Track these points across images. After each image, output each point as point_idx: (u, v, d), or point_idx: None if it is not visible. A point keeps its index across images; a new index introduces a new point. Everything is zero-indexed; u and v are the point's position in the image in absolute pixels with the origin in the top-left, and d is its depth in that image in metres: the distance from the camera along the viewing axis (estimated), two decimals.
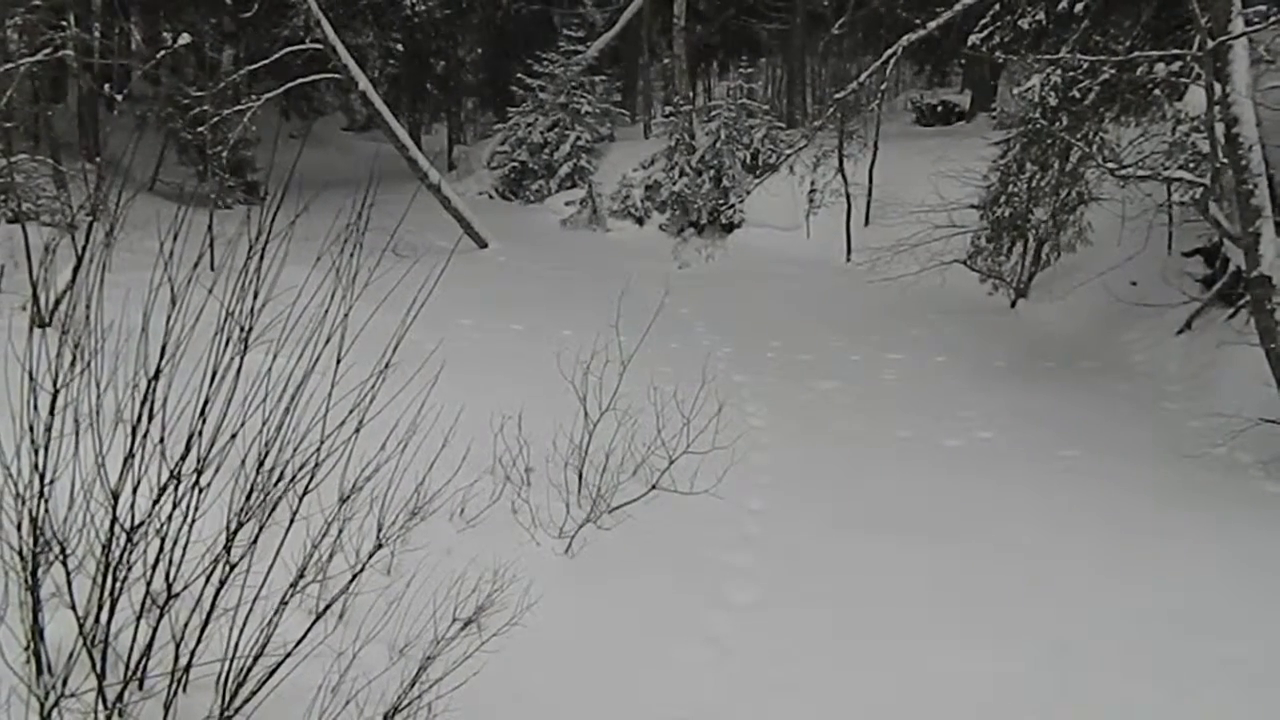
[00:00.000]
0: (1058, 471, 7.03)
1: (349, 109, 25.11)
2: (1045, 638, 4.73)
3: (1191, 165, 8.33)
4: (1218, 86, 7.09)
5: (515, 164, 19.16)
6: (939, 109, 20.00)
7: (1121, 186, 9.78)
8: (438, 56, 21.87)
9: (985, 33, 10.81)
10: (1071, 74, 9.75)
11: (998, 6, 10.63)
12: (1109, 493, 6.62)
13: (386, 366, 3.28)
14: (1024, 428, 7.97)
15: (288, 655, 3.17)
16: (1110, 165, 8.85)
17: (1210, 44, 6.99)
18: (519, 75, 19.77)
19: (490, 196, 19.43)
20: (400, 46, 20.41)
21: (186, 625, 3.08)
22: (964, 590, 5.24)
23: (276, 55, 14.81)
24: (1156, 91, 9.29)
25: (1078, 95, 9.81)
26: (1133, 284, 10.44)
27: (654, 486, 5.84)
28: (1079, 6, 9.68)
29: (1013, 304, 11.76)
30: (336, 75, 14.66)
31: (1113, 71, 9.30)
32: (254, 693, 3.14)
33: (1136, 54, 8.90)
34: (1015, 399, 8.74)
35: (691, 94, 21.06)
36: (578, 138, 18.67)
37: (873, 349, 10.40)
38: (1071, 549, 5.71)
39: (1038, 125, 10.39)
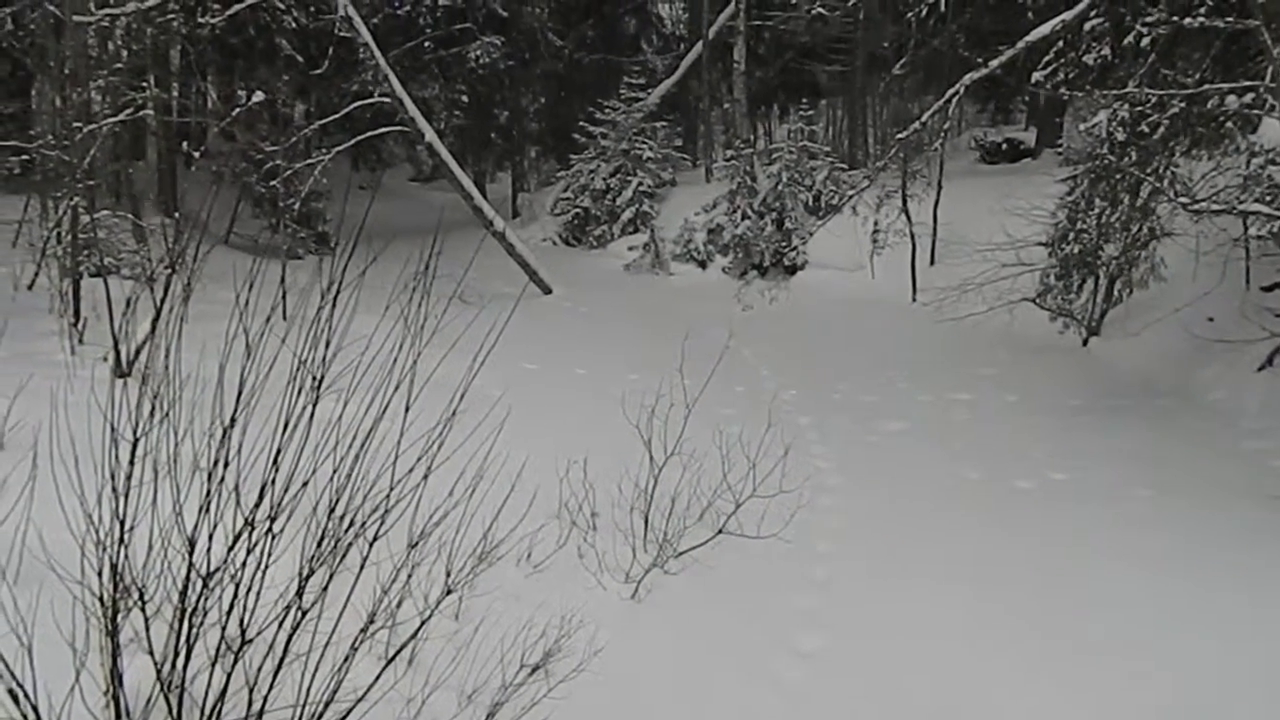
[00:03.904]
0: (1136, 514, 6.83)
1: (416, 160, 25.67)
2: (1129, 696, 4.57)
3: (1268, 198, 8.13)
4: None
5: (578, 210, 19.38)
6: (1004, 146, 19.82)
7: (1195, 221, 9.57)
8: (502, 107, 22.26)
9: (1049, 69, 10.73)
10: (1139, 108, 9.61)
11: (1061, 43, 10.54)
12: (1191, 536, 6.41)
13: (454, 414, 3.32)
14: (1099, 468, 7.78)
15: (359, 701, 3.19)
16: (1183, 200, 8.68)
17: None
18: (581, 123, 20.06)
19: (554, 243, 19.66)
20: (465, 98, 20.81)
21: (260, 670, 3.12)
22: (1039, 640, 5.10)
23: (346, 110, 15.21)
24: (1229, 124, 9.11)
25: (1146, 130, 9.66)
26: (1209, 320, 10.18)
27: (720, 530, 5.80)
28: (1145, 41, 9.56)
29: (1084, 342, 11.53)
30: (404, 128, 15.00)
31: (1182, 105, 9.15)
32: None
33: (1207, 86, 8.75)
34: (1089, 439, 8.54)
35: (752, 137, 21.18)
36: (640, 183, 18.83)
37: (941, 390, 10.25)
38: (1155, 597, 5.52)
39: (1106, 161, 10.24)
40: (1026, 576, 5.82)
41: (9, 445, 4.90)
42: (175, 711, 3.07)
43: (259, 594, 3.10)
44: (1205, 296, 10.18)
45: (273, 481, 3.08)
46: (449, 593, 3.57)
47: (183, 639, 3.06)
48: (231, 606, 3.09)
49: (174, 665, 3.08)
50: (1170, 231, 10.60)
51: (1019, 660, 4.89)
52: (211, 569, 3.05)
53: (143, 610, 3.06)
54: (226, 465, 3.06)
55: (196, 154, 13.79)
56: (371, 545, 3.22)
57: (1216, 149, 9.65)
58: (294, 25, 17.89)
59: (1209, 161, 9.78)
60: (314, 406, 3.11)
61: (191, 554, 3.03)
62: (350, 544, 3.19)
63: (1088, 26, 10.38)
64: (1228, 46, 9.28)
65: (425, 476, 3.24)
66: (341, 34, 14.42)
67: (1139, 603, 5.47)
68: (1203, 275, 10.19)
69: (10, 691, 2.84)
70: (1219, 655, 4.90)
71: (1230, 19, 8.14)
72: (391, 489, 3.21)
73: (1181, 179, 10.02)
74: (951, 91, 10.49)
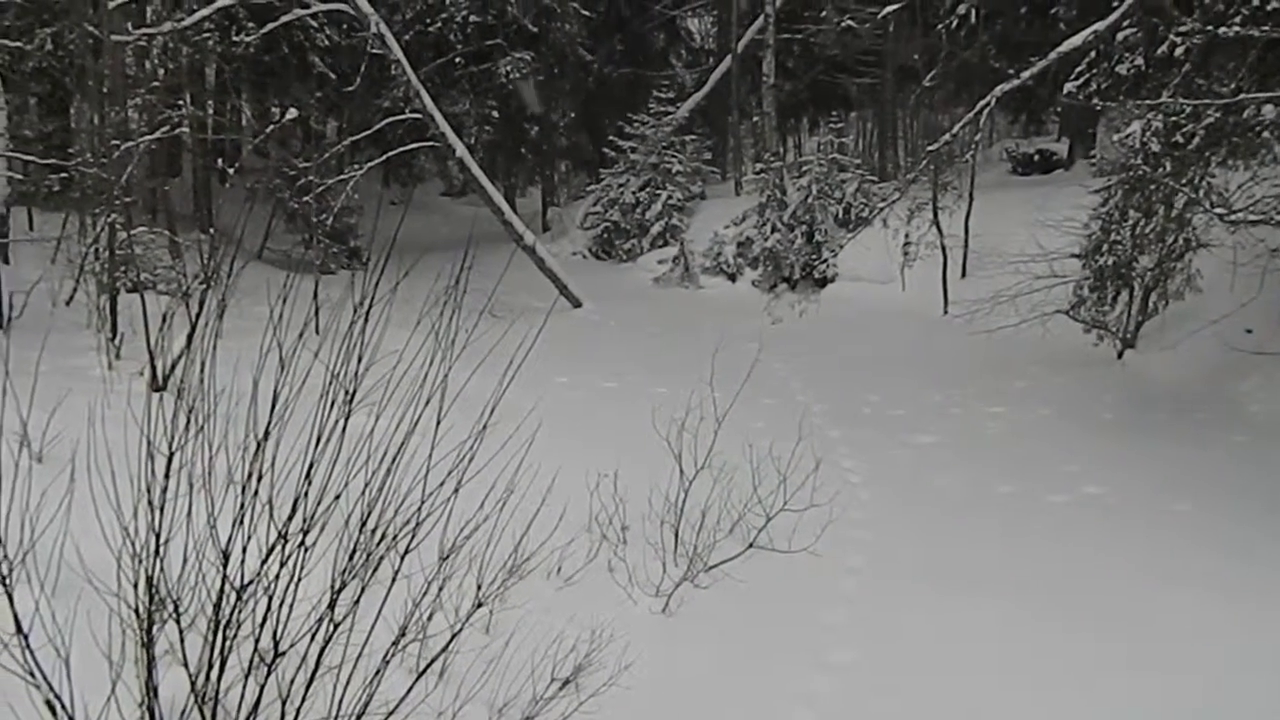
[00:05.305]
0: (1173, 528, 6.74)
1: (447, 175, 25.82)
2: (1161, 712, 4.50)
3: None
4: None
5: (608, 224, 19.44)
6: (1036, 158, 19.70)
7: (1232, 232, 9.47)
8: (532, 121, 22.39)
9: (1082, 80, 10.66)
10: (1174, 118, 9.52)
11: (1094, 53, 10.47)
12: (1230, 551, 6.30)
13: (484, 427, 3.33)
14: (1134, 483, 7.68)
15: (390, 714, 3.19)
16: (1219, 210, 8.59)
17: None
18: (611, 137, 20.14)
19: (584, 256, 19.72)
20: (495, 113, 20.95)
21: (293, 683, 3.13)
22: (1071, 654, 5.03)
23: (378, 126, 15.38)
24: (1265, 134, 9.01)
25: (1181, 140, 9.57)
26: (1248, 331, 10.05)
27: (751, 544, 5.77)
28: (1179, 50, 9.47)
29: (1119, 354, 11.41)
30: (435, 143, 15.14)
31: (1218, 114, 9.06)
32: None
33: (1243, 96, 8.65)
34: (1124, 453, 8.43)
35: (782, 150, 21.17)
36: (669, 196, 18.87)
37: (973, 403, 10.17)
38: (1193, 618, 5.42)
39: (1140, 171, 10.15)
40: (1060, 591, 5.75)
41: (47, 459, 4.96)
42: None
43: (292, 607, 3.12)
44: (1243, 308, 10.05)
45: (305, 495, 3.09)
46: (479, 606, 3.57)
47: (217, 651, 3.08)
48: (265, 619, 3.11)
49: (208, 677, 3.10)
50: (1206, 242, 10.48)
51: (1050, 675, 4.83)
52: (245, 582, 3.07)
53: (178, 623, 3.08)
54: (260, 479, 3.08)
55: (231, 170, 13.96)
56: (403, 558, 3.23)
57: (1253, 159, 9.54)
58: (327, 43, 18.11)
59: (1245, 171, 9.67)
60: (346, 420, 3.13)
61: (225, 567, 3.05)
62: (382, 557, 3.21)
63: (1120, 36, 10.31)
64: (1264, 55, 9.17)
65: (456, 490, 3.25)
66: (373, 51, 14.57)
67: (1175, 619, 5.38)
68: (1240, 286, 10.06)
69: (48, 702, 2.87)
70: (1259, 674, 4.82)
71: (1266, 28, 8.05)
72: (423, 502, 3.22)
73: (1217, 189, 9.92)
74: (983, 103, 10.45)
